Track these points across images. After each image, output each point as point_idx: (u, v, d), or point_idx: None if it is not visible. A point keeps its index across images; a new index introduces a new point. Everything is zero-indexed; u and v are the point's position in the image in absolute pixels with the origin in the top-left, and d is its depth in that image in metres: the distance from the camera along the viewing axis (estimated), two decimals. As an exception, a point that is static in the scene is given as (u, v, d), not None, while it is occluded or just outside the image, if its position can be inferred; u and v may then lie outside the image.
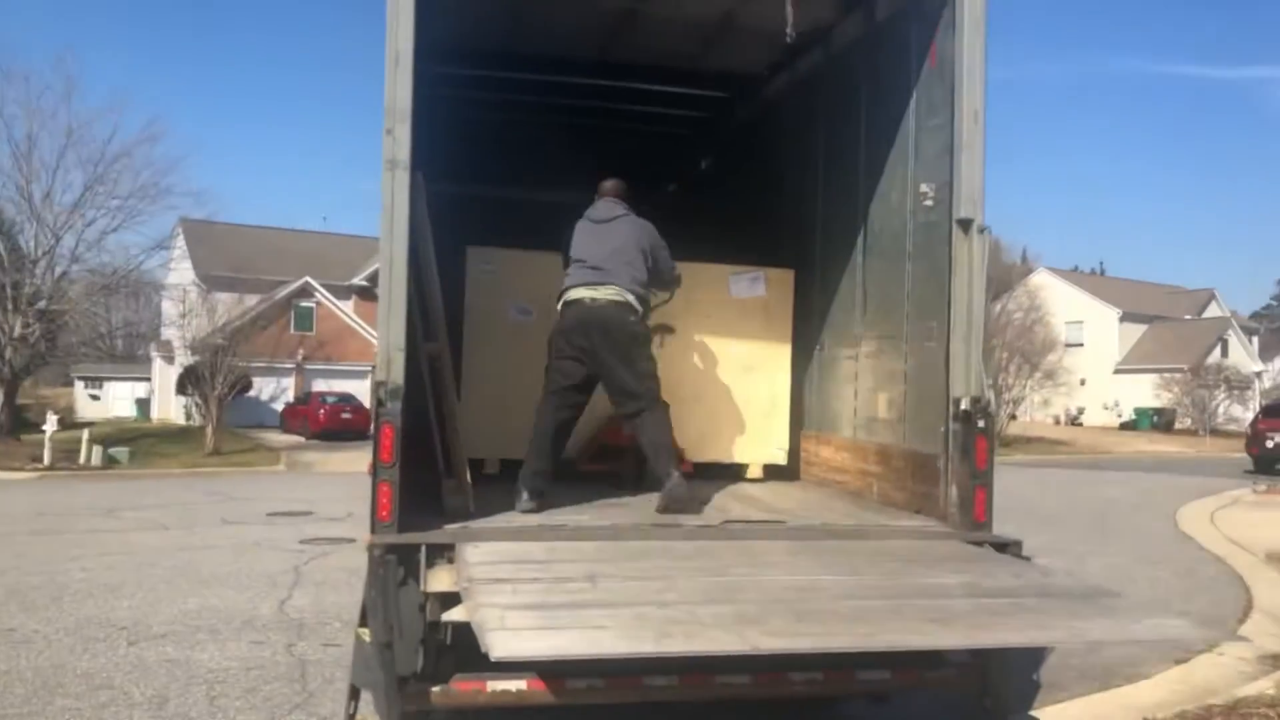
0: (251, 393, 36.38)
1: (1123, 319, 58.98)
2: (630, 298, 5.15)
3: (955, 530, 4.36)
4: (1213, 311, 64.97)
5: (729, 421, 6.22)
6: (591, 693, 4.07)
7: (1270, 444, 24.02)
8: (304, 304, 41.38)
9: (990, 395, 4.40)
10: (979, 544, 4.18)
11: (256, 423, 37.00)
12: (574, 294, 5.15)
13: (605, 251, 5.24)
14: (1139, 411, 52.39)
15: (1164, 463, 32.38)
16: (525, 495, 4.84)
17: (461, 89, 7.08)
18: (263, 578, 9.27)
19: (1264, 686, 5.77)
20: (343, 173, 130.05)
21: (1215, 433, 46.23)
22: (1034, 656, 6.43)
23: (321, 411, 33.93)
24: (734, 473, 6.23)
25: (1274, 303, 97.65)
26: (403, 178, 3.97)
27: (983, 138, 4.44)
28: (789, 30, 4.75)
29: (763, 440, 6.27)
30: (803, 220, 6.37)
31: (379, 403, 3.92)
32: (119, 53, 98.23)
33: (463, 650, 3.98)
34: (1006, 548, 4.13)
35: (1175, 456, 37.64)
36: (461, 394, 5.53)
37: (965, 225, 4.41)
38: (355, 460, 27.16)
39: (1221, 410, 48.96)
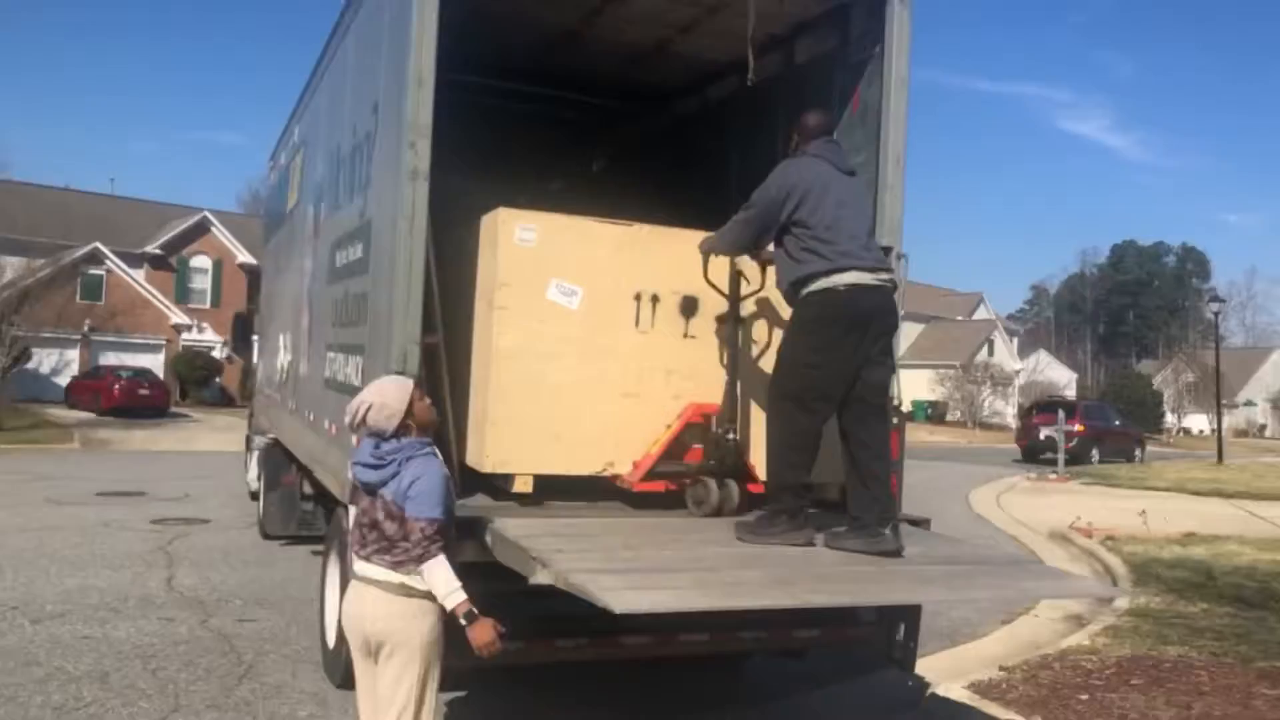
0: (29, 364, 33.80)
1: (904, 318, 63.16)
2: (891, 281, 4.48)
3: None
4: (981, 314, 70.82)
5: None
6: (578, 651, 4.61)
7: (1042, 437, 26.89)
8: (92, 271, 38.67)
9: (898, 393, 5.14)
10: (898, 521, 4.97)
11: (33, 397, 34.32)
12: (852, 277, 4.22)
13: (864, 219, 4.52)
14: (916, 404, 56.61)
15: (942, 452, 35.35)
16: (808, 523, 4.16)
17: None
18: (132, 557, 9.14)
19: (1080, 639, 6.96)
20: (130, 132, 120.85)
21: (981, 425, 50.71)
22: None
23: (116, 387, 31.91)
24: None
25: (1026, 306, 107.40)
26: (423, 187, 4.36)
27: (903, 179, 5.23)
28: (750, 76, 5.33)
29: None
30: None
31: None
32: None
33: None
34: (918, 524, 4.95)
35: (950, 446, 41.06)
36: (488, 394, 4.63)
37: (886, 252, 5.18)
38: (158, 439, 26.01)
39: (987, 404, 53.68)
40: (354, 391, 5.37)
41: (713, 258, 4.71)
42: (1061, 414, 22.99)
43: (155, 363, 38.51)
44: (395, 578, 3.41)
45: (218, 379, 39.67)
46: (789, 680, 5.87)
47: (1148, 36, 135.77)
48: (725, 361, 4.82)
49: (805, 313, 4.28)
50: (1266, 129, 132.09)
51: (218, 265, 42.90)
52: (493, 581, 4.26)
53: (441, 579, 3.34)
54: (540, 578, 3.27)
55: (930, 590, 3.38)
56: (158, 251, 41.85)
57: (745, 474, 4.76)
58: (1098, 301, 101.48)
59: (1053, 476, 21.75)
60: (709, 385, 4.81)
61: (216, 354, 40.98)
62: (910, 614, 4.86)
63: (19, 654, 5.96)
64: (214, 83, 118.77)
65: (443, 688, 4.90)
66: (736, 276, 4.82)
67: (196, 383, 38.49)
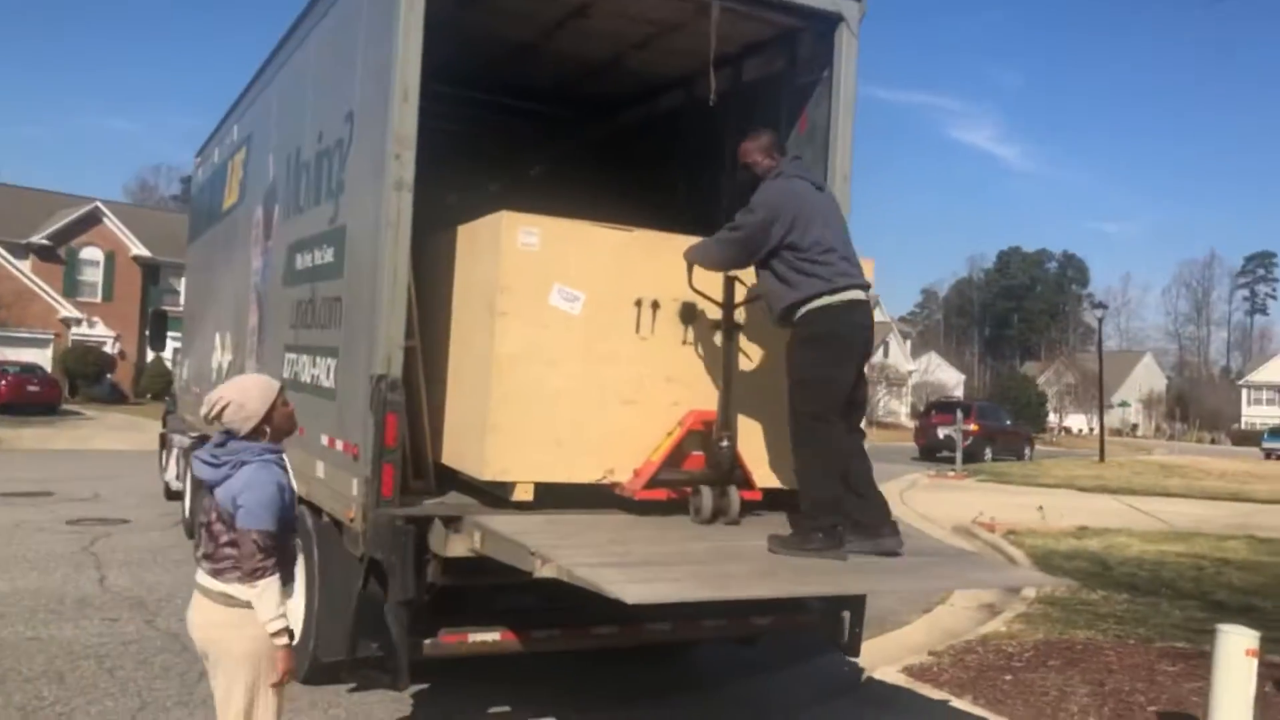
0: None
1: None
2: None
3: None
4: (877, 316, 72.67)
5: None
6: (551, 641, 4.84)
7: (940, 435, 27.96)
8: (-28, 261, 37.06)
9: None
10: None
11: (-95, 392, 32.59)
12: (854, 294, 4.35)
13: (846, 234, 4.59)
14: (814, 403, 58.02)
15: (842, 450, 36.44)
16: (843, 540, 4.13)
17: None
18: (57, 559, 8.96)
19: (996, 627, 7.45)
20: (12, 115, 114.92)
21: (877, 424, 52.23)
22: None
23: (3, 382, 30.57)
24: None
25: (917, 309, 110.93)
26: (407, 197, 4.52)
27: (849, 195, 5.58)
28: (711, 96, 5.58)
29: None
30: None
31: (383, 393, 4.43)
32: None
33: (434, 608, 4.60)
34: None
35: (848, 445, 42.35)
36: (488, 401, 4.45)
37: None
38: (52, 437, 25.05)
39: (882, 404, 55.35)
40: (316, 392, 5.52)
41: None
42: (960, 413, 24.00)
43: (43, 357, 36.98)
44: (217, 586, 3.32)
45: (110, 375, 38.31)
46: (738, 667, 6.19)
47: (1034, 51, 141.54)
48: (721, 368, 4.79)
49: (807, 330, 4.32)
50: (1142, 144, 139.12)
51: (110, 257, 41.37)
52: (468, 577, 4.50)
53: (269, 603, 3.26)
54: (544, 572, 3.47)
55: (897, 580, 3.70)
56: (45, 242, 40.16)
57: (742, 481, 4.75)
58: (984, 305, 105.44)
59: (951, 474, 22.70)
60: (707, 392, 4.77)
61: (109, 349, 39.58)
62: (856, 603, 5.21)
63: (-36, 656, 5.89)
64: (102, 65, 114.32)
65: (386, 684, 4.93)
66: (731, 283, 4.79)
67: (88, 379, 37.08)
